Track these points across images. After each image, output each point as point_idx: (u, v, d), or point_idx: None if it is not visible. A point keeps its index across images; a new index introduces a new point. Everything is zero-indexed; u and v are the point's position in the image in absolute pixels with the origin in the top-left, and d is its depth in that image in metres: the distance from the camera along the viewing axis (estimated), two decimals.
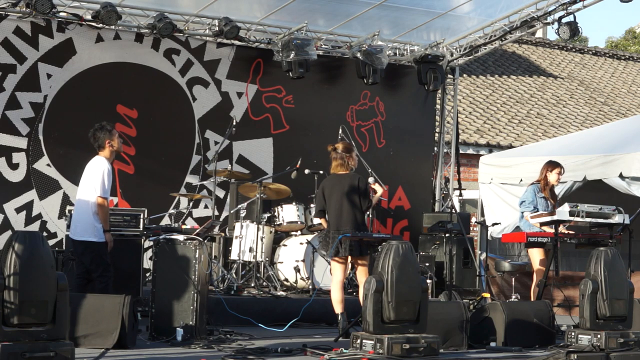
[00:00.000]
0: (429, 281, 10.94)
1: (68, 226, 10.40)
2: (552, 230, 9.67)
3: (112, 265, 8.79)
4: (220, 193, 12.89)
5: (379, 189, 9.49)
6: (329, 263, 9.56)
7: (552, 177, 10.40)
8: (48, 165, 12.16)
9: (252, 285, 10.94)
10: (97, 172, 8.68)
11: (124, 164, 12.53)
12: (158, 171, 12.70)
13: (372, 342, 7.23)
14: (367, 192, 9.16)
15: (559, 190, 11.89)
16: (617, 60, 25.54)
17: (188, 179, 13.11)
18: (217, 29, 12.67)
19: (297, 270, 11.29)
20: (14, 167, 11.95)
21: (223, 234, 11.96)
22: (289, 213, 11.72)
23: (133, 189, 12.55)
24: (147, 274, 10.58)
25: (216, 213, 12.34)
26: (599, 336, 7.87)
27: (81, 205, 8.76)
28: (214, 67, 13.34)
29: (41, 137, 12.12)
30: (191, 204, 12.56)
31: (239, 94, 13.50)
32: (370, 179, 9.54)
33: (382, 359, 7.10)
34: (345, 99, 14.31)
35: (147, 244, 10.27)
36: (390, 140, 14.61)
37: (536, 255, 10.17)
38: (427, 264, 12.24)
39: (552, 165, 10.48)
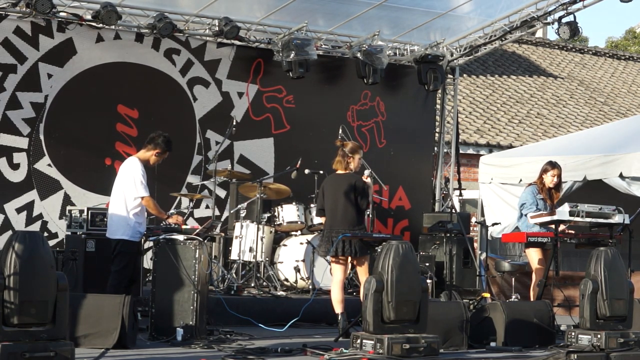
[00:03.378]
0: (429, 281, 10.93)
1: (68, 226, 10.47)
2: (552, 230, 9.67)
3: (136, 269, 9.10)
4: (221, 193, 12.89)
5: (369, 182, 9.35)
6: (329, 263, 9.56)
7: (547, 178, 10.36)
8: (49, 165, 12.16)
9: (252, 285, 10.94)
10: (129, 173, 8.95)
11: None
12: (159, 171, 12.66)
13: (372, 342, 7.23)
14: (365, 191, 9.13)
15: None
16: (617, 60, 25.53)
17: (189, 179, 13.11)
18: (217, 29, 12.68)
19: (297, 270, 11.29)
20: (15, 167, 11.95)
21: (223, 234, 11.95)
22: (289, 213, 11.72)
23: None
24: (147, 274, 10.58)
25: (217, 213, 12.33)
26: (599, 336, 7.88)
27: (114, 205, 9.04)
28: (215, 67, 13.34)
29: (42, 137, 12.12)
30: (192, 204, 12.54)
31: (240, 94, 13.49)
32: (366, 172, 9.45)
33: (382, 359, 7.10)
34: (345, 99, 14.30)
35: (147, 244, 10.26)
36: (390, 140, 14.60)
37: (534, 256, 10.14)
38: (427, 264, 12.23)
39: (548, 166, 10.44)
